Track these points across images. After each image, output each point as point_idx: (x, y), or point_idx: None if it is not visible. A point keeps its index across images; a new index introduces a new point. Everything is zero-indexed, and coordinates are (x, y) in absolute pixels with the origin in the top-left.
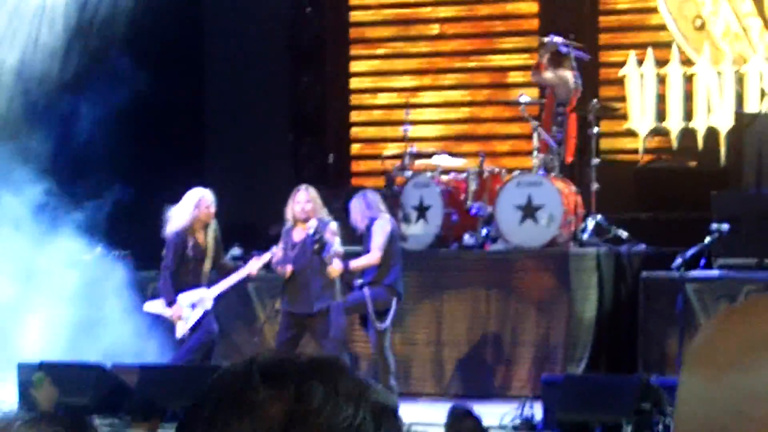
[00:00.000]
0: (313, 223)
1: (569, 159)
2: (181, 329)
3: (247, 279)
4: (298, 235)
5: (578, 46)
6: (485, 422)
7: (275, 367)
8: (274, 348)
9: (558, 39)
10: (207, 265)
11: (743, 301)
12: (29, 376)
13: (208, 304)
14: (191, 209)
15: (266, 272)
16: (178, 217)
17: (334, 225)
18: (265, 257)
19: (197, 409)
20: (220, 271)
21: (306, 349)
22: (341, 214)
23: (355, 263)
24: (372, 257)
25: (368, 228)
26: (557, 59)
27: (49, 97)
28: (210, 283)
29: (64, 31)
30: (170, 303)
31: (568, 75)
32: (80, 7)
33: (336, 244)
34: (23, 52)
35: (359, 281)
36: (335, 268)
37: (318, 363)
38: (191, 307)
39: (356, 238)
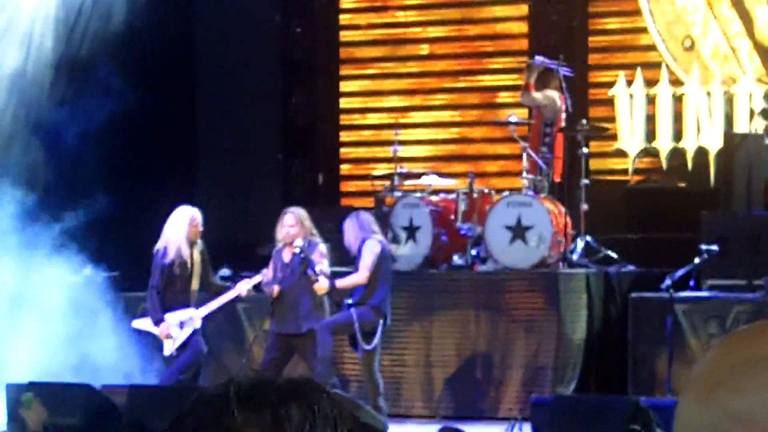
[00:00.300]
0: (299, 242)
1: (557, 179)
2: (169, 347)
3: (237, 299)
4: (288, 256)
5: (563, 64)
6: None
7: (252, 390)
8: (260, 368)
9: (544, 59)
10: (195, 284)
11: (747, 326)
12: (18, 396)
13: (197, 324)
14: (182, 227)
15: (256, 293)
16: (166, 235)
17: (323, 247)
18: (256, 279)
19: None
20: (210, 291)
21: (296, 370)
22: (331, 234)
23: (341, 282)
24: (359, 276)
25: (359, 249)
26: (544, 79)
27: (38, 114)
28: (199, 303)
29: (55, 45)
30: (157, 322)
31: (555, 95)
32: (70, 22)
33: (323, 265)
34: (15, 61)
35: (348, 301)
36: (322, 286)
37: (295, 385)
38: (179, 326)
39: (350, 259)
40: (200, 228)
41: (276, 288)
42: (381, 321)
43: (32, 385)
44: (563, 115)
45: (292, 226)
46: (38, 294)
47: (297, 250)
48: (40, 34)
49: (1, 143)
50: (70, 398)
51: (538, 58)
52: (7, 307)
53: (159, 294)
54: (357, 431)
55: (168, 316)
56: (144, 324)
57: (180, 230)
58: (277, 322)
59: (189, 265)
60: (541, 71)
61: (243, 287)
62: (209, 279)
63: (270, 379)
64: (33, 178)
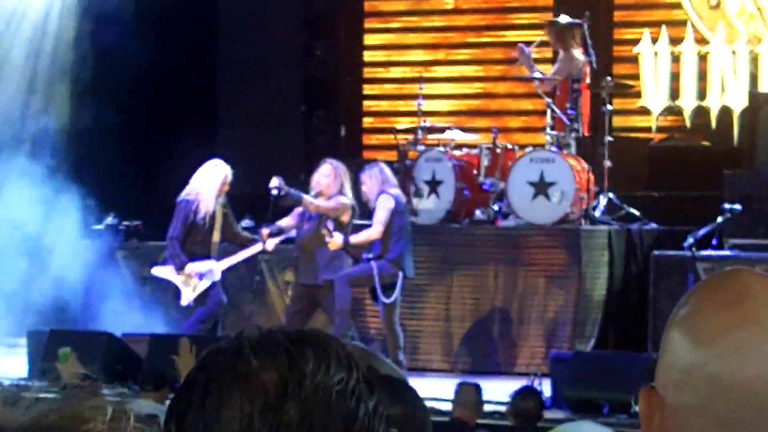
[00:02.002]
0: (274, 182)
1: (586, 133)
2: (187, 297)
3: (261, 252)
4: None
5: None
6: (493, 398)
7: (264, 338)
8: (285, 319)
9: (525, 48)
10: (216, 236)
11: (716, 276)
12: (38, 343)
13: (217, 276)
14: (215, 184)
15: (277, 244)
16: (196, 186)
17: (345, 199)
18: (278, 238)
19: (192, 382)
20: (235, 242)
21: (315, 323)
22: (353, 187)
23: (355, 238)
24: (372, 232)
25: (375, 200)
26: (564, 38)
27: (61, 65)
28: (221, 255)
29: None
30: (180, 266)
31: (576, 53)
32: None
33: (325, 203)
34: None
35: (368, 255)
36: (335, 241)
37: (307, 333)
38: (199, 277)
39: (369, 211)
40: (228, 186)
41: (265, 232)
42: (400, 274)
43: (53, 333)
44: (588, 69)
45: (327, 176)
46: (59, 242)
47: (275, 191)
48: None
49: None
50: (90, 346)
51: (525, 48)
52: (28, 256)
53: (180, 244)
54: (371, 375)
55: (188, 265)
56: (164, 272)
57: (212, 186)
58: (299, 272)
59: (211, 217)
60: (559, 30)
61: (269, 244)
62: (234, 231)
63: (280, 328)
64: (57, 133)
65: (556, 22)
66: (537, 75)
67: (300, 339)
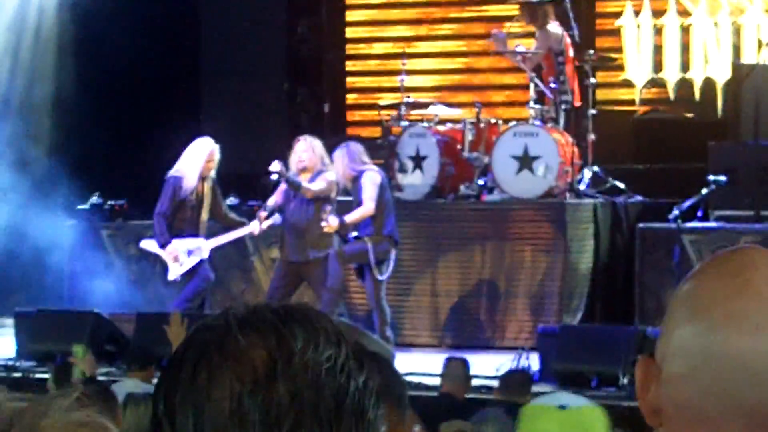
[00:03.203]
0: (275, 166)
1: (577, 103)
2: (175, 272)
3: (251, 237)
4: None
5: None
6: (481, 372)
7: (251, 315)
8: (267, 296)
9: (499, 32)
10: (204, 215)
11: (722, 252)
12: (26, 323)
13: (205, 254)
14: (201, 160)
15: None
16: (183, 163)
17: (330, 175)
18: (270, 220)
19: (181, 360)
20: (224, 222)
21: (303, 298)
22: None
23: (350, 216)
24: (366, 209)
25: (356, 180)
26: (536, 15)
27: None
28: (209, 233)
29: None
30: (164, 244)
31: (552, 27)
32: None
33: (315, 186)
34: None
35: (354, 234)
36: (331, 224)
37: (294, 308)
38: (187, 253)
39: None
40: (215, 163)
41: (263, 214)
42: (393, 250)
43: (40, 313)
44: (568, 41)
45: (305, 151)
46: (44, 222)
47: (275, 176)
48: None
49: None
50: (77, 325)
51: (499, 33)
52: (12, 235)
53: (167, 220)
54: (360, 351)
55: (176, 241)
56: (152, 245)
57: (196, 162)
58: (284, 250)
59: (199, 195)
60: (530, 9)
61: (255, 226)
62: (221, 211)
63: (267, 304)
64: (43, 113)
65: (526, 2)
66: (520, 50)
67: (288, 315)
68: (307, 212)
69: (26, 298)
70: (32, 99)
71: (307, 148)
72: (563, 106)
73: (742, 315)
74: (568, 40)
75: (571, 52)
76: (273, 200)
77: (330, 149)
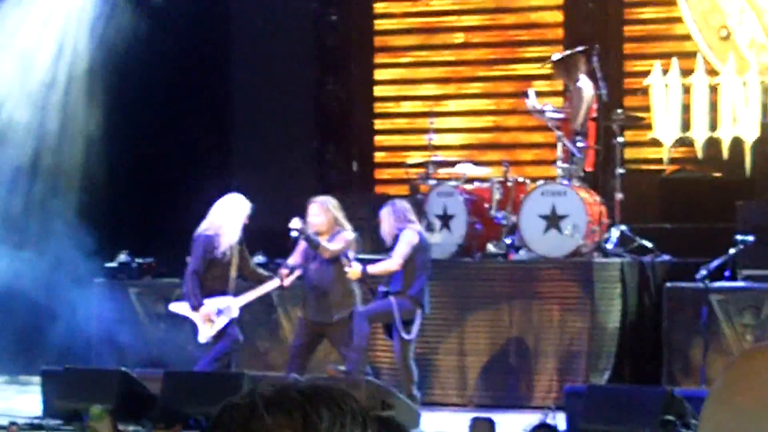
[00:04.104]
0: (296, 223)
1: (588, 168)
2: (205, 334)
3: (278, 288)
4: None
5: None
6: None
7: (278, 395)
8: (289, 353)
9: (532, 101)
10: (233, 272)
11: (758, 345)
12: (53, 382)
13: (234, 313)
14: (240, 219)
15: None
16: (217, 219)
17: (347, 234)
18: (296, 273)
19: None
20: (251, 279)
21: (329, 358)
22: (364, 222)
23: (374, 268)
24: (391, 263)
25: (396, 238)
26: (569, 69)
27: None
28: (237, 291)
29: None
30: (196, 307)
31: (584, 81)
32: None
33: (334, 245)
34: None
35: (383, 289)
36: (354, 270)
37: (320, 388)
38: (217, 313)
39: (385, 248)
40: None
41: (284, 272)
42: (419, 311)
43: (67, 371)
44: (595, 105)
45: (316, 215)
46: (72, 280)
47: (294, 233)
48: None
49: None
50: (104, 383)
51: (529, 94)
52: (40, 294)
53: (199, 281)
54: (385, 429)
55: (206, 301)
56: (182, 308)
57: (236, 220)
58: (307, 309)
59: (229, 253)
60: (566, 64)
61: (284, 281)
62: (249, 267)
63: (293, 383)
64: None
65: (559, 59)
66: (555, 114)
67: (314, 395)
68: (328, 273)
69: (54, 356)
70: (61, 157)
71: (317, 212)
72: (579, 170)
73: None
74: (595, 101)
75: (594, 113)
76: (294, 259)
77: (356, 207)
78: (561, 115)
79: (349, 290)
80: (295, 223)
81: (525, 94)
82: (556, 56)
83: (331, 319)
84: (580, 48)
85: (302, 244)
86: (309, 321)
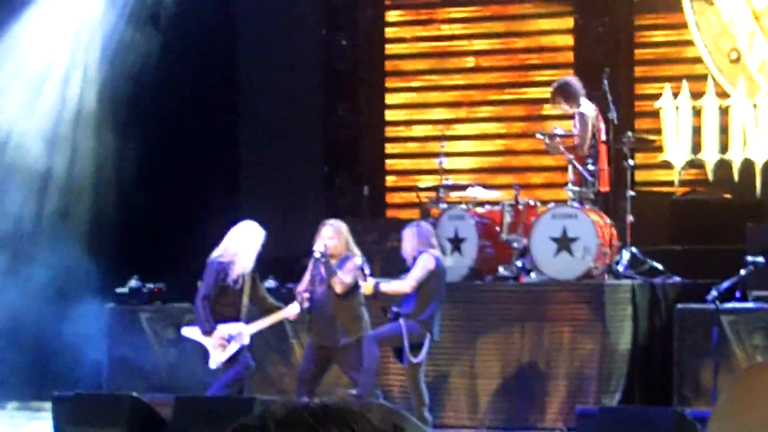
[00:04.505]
0: (319, 246)
1: (604, 188)
2: (216, 359)
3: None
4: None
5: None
6: None
7: (289, 416)
8: (297, 377)
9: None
10: (245, 299)
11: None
12: (63, 408)
13: (246, 340)
14: (255, 245)
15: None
16: (232, 247)
17: (358, 260)
18: (298, 305)
19: None
20: (262, 307)
21: (339, 382)
22: (375, 246)
23: (386, 286)
24: (404, 285)
25: (415, 260)
26: (571, 96)
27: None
28: (249, 318)
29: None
30: (208, 332)
31: (585, 105)
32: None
33: (346, 276)
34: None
35: (396, 309)
36: (369, 285)
37: (330, 409)
38: (228, 339)
39: (394, 272)
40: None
41: (306, 295)
42: (428, 335)
43: (78, 397)
44: (602, 125)
45: (331, 238)
46: (83, 305)
47: (317, 255)
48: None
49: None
50: (115, 409)
51: (545, 135)
52: (51, 319)
53: (211, 306)
54: None
55: (219, 327)
56: (194, 333)
57: (251, 248)
58: (315, 334)
59: (242, 280)
60: (564, 92)
61: (292, 310)
62: (260, 294)
63: (304, 405)
64: (80, 192)
65: (558, 88)
66: (558, 132)
67: (325, 416)
68: (336, 298)
69: (64, 382)
70: (71, 182)
71: (333, 235)
72: (590, 193)
73: None
74: (601, 122)
75: (602, 135)
76: (303, 285)
77: (367, 232)
78: (572, 139)
79: (357, 315)
80: (319, 246)
81: (548, 135)
82: (556, 87)
83: (338, 344)
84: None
85: (310, 268)
86: (316, 346)
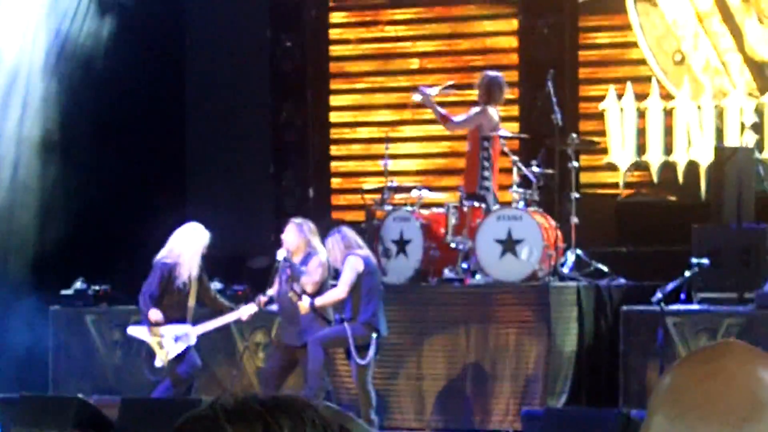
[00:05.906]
0: (282, 253)
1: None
2: (162, 358)
3: (236, 321)
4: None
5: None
6: None
7: (239, 406)
8: (258, 378)
9: (422, 90)
10: (191, 300)
11: (701, 348)
12: (9, 409)
13: (192, 340)
14: (198, 247)
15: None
16: (176, 248)
17: (322, 256)
18: (254, 308)
19: None
20: (213, 307)
21: (287, 383)
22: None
23: (321, 299)
24: (336, 293)
25: (343, 264)
26: (490, 93)
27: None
28: (197, 319)
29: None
30: (147, 315)
31: (492, 111)
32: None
33: (314, 275)
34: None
35: (339, 316)
36: (303, 305)
37: (281, 399)
38: (174, 339)
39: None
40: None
41: (263, 299)
42: (373, 335)
43: (23, 398)
44: (498, 135)
45: (287, 234)
46: (27, 308)
47: (280, 258)
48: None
49: None
50: (61, 411)
51: (419, 93)
52: None
53: (153, 303)
54: None
55: (164, 328)
56: (139, 332)
57: (195, 250)
58: (282, 333)
59: (188, 281)
60: (488, 87)
61: (244, 312)
62: (210, 295)
63: (254, 395)
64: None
65: (488, 77)
66: (503, 132)
67: (275, 406)
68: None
69: (10, 384)
70: (16, 183)
71: (290, 232)
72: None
73: (712, 400)
74: (498, 134)
75: (499, 148)
76: (275, 289)
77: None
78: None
79: (320, 314)
80: (281, 253)
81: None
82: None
83: (300, 342)
84: (500, 81)
85: (279, 274)
86: (282, 345)
